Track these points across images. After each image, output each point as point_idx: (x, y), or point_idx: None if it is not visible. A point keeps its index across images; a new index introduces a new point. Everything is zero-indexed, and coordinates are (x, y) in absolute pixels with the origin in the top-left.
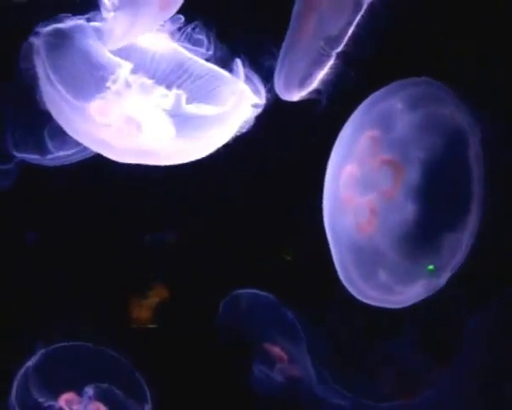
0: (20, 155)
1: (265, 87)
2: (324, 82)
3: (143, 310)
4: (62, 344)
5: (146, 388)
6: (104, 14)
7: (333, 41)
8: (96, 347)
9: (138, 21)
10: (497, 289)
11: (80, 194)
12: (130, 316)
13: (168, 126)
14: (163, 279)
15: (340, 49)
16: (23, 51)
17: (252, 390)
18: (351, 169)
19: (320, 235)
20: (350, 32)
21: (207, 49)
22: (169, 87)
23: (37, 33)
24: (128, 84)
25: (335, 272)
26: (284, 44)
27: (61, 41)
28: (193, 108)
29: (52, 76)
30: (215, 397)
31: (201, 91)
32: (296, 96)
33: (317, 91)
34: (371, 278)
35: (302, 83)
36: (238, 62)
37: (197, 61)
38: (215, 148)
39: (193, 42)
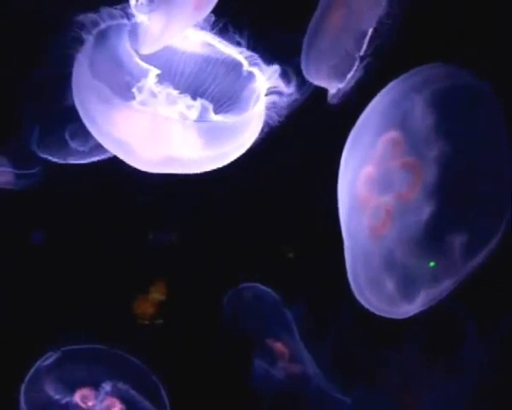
0: (42, 155)
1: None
2: (353, 76)
3: (148, 306)
4: (76, 346)
5: (163, 391)
6: (137, 16)
7: (361, 36)
8: (110, 348)
9: (173, 23)
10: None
11: (89, 192)
12: (135, 313)
13: (194, 136)
14: (169, 275)
15: (367, 43)
16: (68, 42)
17: (252, 386)
18: (369, 170)
19: (330, 234)
20: (375, 25)
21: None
22: (195, 95)
23: (83, 27)
24: (153, 95)
25: (344, 273)
26: (311, 30)
27: (102, 39)
28: (218, 117)
29: (91, 71)
30: (217, 392)
31: (226, 94)
32: (325, 83)
33: (345, 84)
34: (377, 283)
35: (330, 73)
36: (275, 68)
37: (222, 54)
38: (241, 152)
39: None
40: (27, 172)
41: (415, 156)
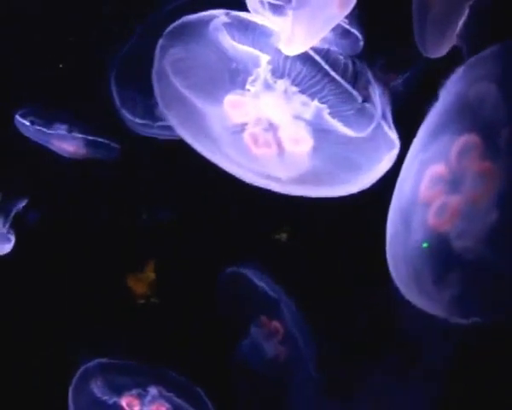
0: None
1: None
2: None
3: (141, 286)
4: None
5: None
6: (274, 16)
7: None
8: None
9: (317, 23)
10: None
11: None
12: (130, 291)
13: (307, 137)
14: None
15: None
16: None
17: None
18: (438, 168)
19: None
20: None
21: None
22: (305, 93)
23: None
24: (269, 86)
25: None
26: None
27: (192, 34)
28: (335, 122)
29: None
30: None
31: (341, 108)
32: (442, 51)
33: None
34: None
35: (444, 38)
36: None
37: (334, 78)
38: (365, 181)
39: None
40: (99, 140)
41: (491, 161)
